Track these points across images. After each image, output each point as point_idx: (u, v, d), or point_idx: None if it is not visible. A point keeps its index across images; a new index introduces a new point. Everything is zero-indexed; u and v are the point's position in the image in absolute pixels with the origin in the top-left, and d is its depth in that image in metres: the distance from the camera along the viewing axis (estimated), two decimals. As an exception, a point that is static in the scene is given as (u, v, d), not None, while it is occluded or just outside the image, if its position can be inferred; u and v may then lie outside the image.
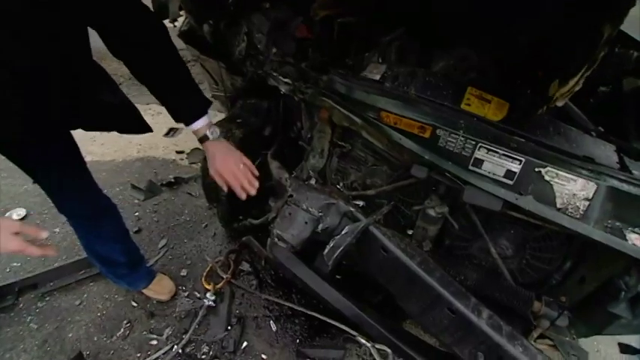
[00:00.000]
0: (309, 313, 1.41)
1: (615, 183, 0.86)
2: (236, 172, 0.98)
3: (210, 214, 1.95)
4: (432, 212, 1.00)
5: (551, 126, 0.92)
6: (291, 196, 1.12)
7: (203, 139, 0.98)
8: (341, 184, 1.22)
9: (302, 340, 1.48)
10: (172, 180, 2.14)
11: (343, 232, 1.04)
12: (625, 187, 0.85)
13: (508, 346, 0.88)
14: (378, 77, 1.02)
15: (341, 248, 1.03)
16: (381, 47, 1.10)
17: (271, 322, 1.51)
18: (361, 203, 1.15)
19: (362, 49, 1.15)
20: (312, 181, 1.21)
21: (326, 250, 1.05)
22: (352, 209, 1.06)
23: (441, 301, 0.95)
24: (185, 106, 0.96)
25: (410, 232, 1.11)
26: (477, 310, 0.93)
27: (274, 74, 1.25)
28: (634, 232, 0.85)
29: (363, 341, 1.43)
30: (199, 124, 0.96)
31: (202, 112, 0.97)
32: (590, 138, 0.92)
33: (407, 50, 1.08)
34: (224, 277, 1.59)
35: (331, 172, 1.23)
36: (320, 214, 1.08)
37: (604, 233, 0.84)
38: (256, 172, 1.00)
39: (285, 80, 1.23)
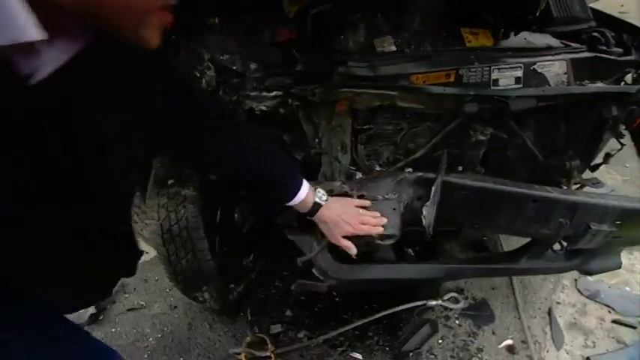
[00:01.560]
0: (373, 318, 1.45)
1: (568, 56, 1.24)
2: (366, 220, 0.93)
3: (184, 310, 1.65)
4: (481, 137, 1.19)
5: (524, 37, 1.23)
6: (362, 195, 1.12)
7: (314, 210, 0.87)
8: (377, 165, 1.27)
9: (390, 345, 1.50)
10: (94, 312, 1.67)
11: (432, 194, 1.12)
12: (577, 55, 1.23)
13: (580, 198, 1.18)
14: (394, 48, 1.10)
15: (434, 209, 1.12)
16: (363, 24, 1.17)
17: (351, 354, 1.47)
18: (409, 169, 1.24)
19: (339, 33, 1.18)
20: (358, 175, 1.22)
21: (423, 220, 1.12)
22: (419, 174, 1.15)
23: (524, 199, 1.17)
24: (284, 181, 0.83)
25: (459, 167, 1.27)
26: (545, 190, 1.20)
27: (253, 94, 1.16)
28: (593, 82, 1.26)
29: (433, 302, 1.58)
30: (304, 191, 0.84)
31: (300, 176, 0.85)
32: (541, 35, 1.27)
33: (384, 17, 1.19)
34: (268, 354, 1.42)
35: (362, 159, 1.26)
36: (395, 195, 1.13)
37: (586, 86, 1.21)
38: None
39: (272, 94, 1.16)
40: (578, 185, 1.36)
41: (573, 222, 1.19)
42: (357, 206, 1.02)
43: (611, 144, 1.40)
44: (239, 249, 1.74)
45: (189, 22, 1.09)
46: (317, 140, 1.26)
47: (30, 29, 0.43)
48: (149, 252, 1.84)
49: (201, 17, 1.11)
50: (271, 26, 1.13)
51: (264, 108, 1.19)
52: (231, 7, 1.11)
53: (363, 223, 0.97)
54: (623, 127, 1.37)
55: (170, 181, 1.54)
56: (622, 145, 1.41)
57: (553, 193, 1.17)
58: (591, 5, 1.42)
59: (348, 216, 0.94)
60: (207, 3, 1.09)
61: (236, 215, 1.64)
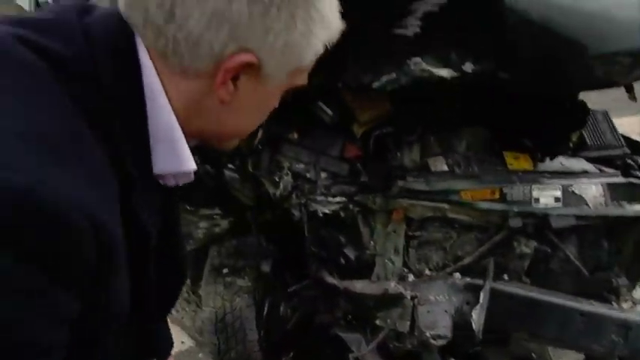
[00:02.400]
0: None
1: (604, 180, 1.40)
2: None
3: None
4: (525, 249, 1.32)
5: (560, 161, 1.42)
6: (415, 296, 1.24)
7: None
8: (426, 269, 1.40)
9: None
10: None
11: (481, 300, 1.23)
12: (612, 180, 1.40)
13: (632, 316, 1.24)
14: (445, 168, 1.32)
15: (483, 315, 1.21)
16: (418, 144, 1.40)
17: None
18: (458, 275, 1.36)
19: (397, 151, 1.42)
20: (410, 278, 1.35)
21: (473, 325, 1.21)
22: (468, 279, 1.27)
23: (570, 311, 1.25)
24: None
25: (505, 276, 1.38)
26: (592, 304, 1.28)
27: (320, 198, 1.37)
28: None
29: None
30: None
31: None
32: (574, 159, 1.46)
33: (436, 140, 1.42)
34: None
35: (414, 263, 1.40)
36: (446, 298, 1.25)
37: (624, 209, 1.34)
38: None
39: (337, 200, 1.36)
40: (631, 305, 1.42)
41: (628, 341, 1.24)
42: None
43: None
44: (282, 344, 1.81)
45: (273, 135, 1.35)
46: (372, 243, 1.42)
47: (190, 161, 0.52)
48: (184, 341, 1.92)
49: (283, 132, 1.37)
50: (341, 143, 1.37)
51: (327, 211, 1.39)
52: (308, 125, 1.38)
53: None
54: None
55: (225, 270, 1.71)
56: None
57: (601, 308, 1.25)
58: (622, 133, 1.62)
59: None
60: (289, 120, 1.36)
61: (282, 309, 1.76)
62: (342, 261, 1.49)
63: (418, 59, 1.01)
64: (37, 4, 2.41)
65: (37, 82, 0.43)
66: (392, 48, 1.01)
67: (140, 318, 0.55)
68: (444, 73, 1.03)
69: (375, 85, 1.07)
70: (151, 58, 0.48)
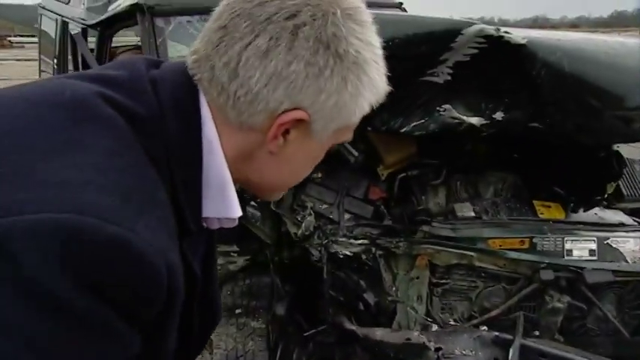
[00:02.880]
0: None
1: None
2: None
3: None
4: (558, 304, 1.26)
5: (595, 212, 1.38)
6: (439, 348, 1.19)
7: None
8: (451, 319, 1.35)
9: None
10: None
11: (510, 357, 1.17)
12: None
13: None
14: (473, 214, 1.29)
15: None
16: (443, 189, 1.39)
17: None
18: (484, 328, 1.31)
19: (422, 195, 1.40)
20: (434, 327, 1.30)
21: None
22: (496, 333, 1.22)
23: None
24: None
25: (536, 332, 1.32)
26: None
27: (342, 240, 1.35)
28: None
29: None
30: None
31: None
32: (610, 210, 1.41)
33: (462, 185, 1.41)
34: None
35: (437, 312, 1.35)
36: (472, 352, 1.19)
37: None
38: None
39: (359, 242, 1.35)
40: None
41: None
42: None
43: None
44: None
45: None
46: (394, 288, 1.39)
47: (237, 208, 0.55)
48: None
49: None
50: (365, 185, 1.37)
51: (348, 253, 1.37)
52: (333, 165, 1.39)
53: None
54: None
55: (238, 311, 1.69)
56: None
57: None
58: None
59: None
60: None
61: (296, 355, 1.71)
62: (362, 306, 1.46)
63: (448, 106, 1.02)
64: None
65: (119, 138, 0.47)
66: (422, 94, 1.02)
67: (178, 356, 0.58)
68: (474, 120, 1.03)
69: (404, 130, 1.07)
70: (210, 110, 0.53)
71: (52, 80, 0.65)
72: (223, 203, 0.55)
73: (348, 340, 1.42)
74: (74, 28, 2.49)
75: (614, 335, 1.32)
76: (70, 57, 2.53)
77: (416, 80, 1.01)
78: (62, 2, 2.78)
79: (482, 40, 0.93)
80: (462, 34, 0.93)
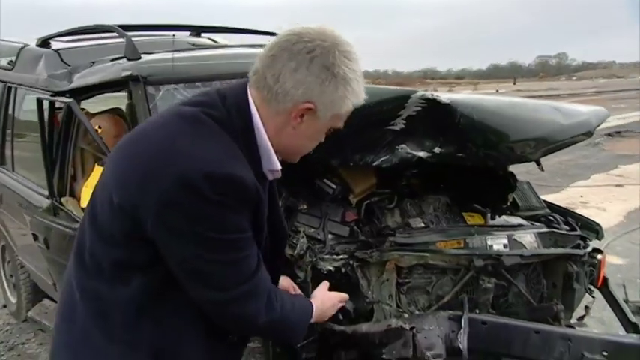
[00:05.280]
0: None
1: (535, 231, 1.99)
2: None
3: None
4: (488, 285, 1.81)
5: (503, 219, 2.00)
6: (413, 327, 1.65)
7: None
8: (416, 310, 1.83)
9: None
10: None
11: (463, 327, 1.67)
12: (540, 230, 1.99)
13: (570, 330, 1.74)
14: (423, 225, 1.83)
15: (466, 338, 1.65)
16: (397, 209, 1.92)
17: None
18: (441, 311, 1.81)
19: (383, 215, 1.92)
20: (406, 315, 1.76)
21: (460, 345, 1.64)
22: (450, 312, 1.72)
23: (528, 330, 1.73)
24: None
25: (476, 310, 1.85)
26: (543, 325, 1.77)
27: (327, 256, 1.79)
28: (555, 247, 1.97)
29: None
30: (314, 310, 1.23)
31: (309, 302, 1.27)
32: (512, 217, 2.05)
33: (411, 206, 1.95)
34: None
35: (405, 306, 1.82)
36: (436, 327, 1.67)
37: (550, 250, 1.91)
38: None
39: (340, 257, 1.80)
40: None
41: (571, 352, 1.72)
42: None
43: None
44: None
45: (289, 208, 1.80)
46: (370, 292, 1.83)
47: (277, 164, 1.03)
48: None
49: (296, 204, 1.83)
50: (342, 211, 1.85)
51: (331, 268, 1.80)
52: (315, 197, 1.85)
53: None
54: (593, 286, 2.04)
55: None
56: (593, 297, 2.06)
57: (549, 326, 1.74)
58: (548, 196, 2.27)
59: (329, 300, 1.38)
60: (300, 195, 1.83)
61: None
62: (341, 316, 1.88)
63: (404, 145, 1.57)
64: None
65: (213, 130, 0.95)
66: (387, 138, 1.56)
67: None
68: (422, 154, 1.59)
69: (375, 163, 1.59)
70: (256, 105, 0.99)
71: (168, 109, 1.09)
72: (270, 161, 1.01)
73: (335, 343, 1.81)
74: (28, 94, 2.70)
75: (527, 305, 1.90)
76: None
77: (381, 129, 1.55)
78: (4, 69, 2.95)
79: (423, 101, 1.52)
80: (410, 97, 1.51)
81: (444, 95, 1.55)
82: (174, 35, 2.52)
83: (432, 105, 1.52)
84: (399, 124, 1.53)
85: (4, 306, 3.57)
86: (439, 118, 1.55)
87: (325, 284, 1.40)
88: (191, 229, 0.89)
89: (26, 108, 2.78)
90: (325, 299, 1.36)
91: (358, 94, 1.00)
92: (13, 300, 3.42)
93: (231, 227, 0.92)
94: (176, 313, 1.01)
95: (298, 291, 1.45)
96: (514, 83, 50.14)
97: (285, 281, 1.43)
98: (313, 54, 0.94)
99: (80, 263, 1.02)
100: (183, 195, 0.86)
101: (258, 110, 0.98)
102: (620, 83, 40.89)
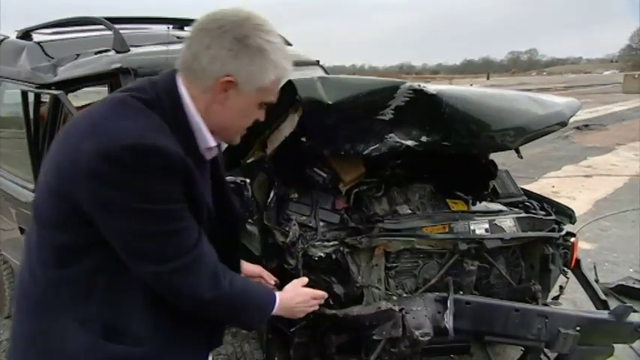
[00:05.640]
0: None
1: (514, 216, 2.11)
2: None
3: None
4: (472, 267, 1.92)
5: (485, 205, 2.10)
6: (402, 308, 1.74)
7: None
8: (404, 294, 1.92)
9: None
10: None
11: (448, 308, 1.77)
12: (518, 215, 2.11)
13: (546, 308, 1.87)
14: (409, 212, 1.91)
15: (452, 318, 1.75)
16: (385, 197, 2.00)
17: None
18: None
19: (371, 203, 2.00)
20: (395, 298, 1.85)
21: (446, 325, 1.73)
22: (436, 294, 1.82)
23: (509, 309, 1.84)
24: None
25: (460, 292, 1.95)
26: (522, 303, 1.89)
27: (318, 243, 1.86)
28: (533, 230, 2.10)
29: None
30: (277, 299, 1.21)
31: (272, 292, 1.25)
32: (493, 203, 2.15)
33: (398, 194, 2.04)
34: None
35: (394, 289, 1.91)
36: (424, 308, 1.77)
37: (528, 234, 2.03)
38: None
39: (331, 244, 1.87)
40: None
41: (547, 327, 1.84)
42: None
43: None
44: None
45: (281, 196, 1.85)
46: (360, 277, 1.91)
47: (212, 140, 1.05)
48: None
49: (287, 193, 1.89)
50: (332, 199, 1.92)
51: (322, 255, 1.87)
52: (306, 185, 1.91)
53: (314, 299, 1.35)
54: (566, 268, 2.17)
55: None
56: (567, 278, 2.20)
57: (527, 305, 1.86)
58: (522, 186, 2.41)
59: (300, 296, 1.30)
60: (291, 184, 1.89)
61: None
62: (331, 301, 1.95)
63: (393, 134, 1.65)
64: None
65: (139, 110, 0.97)
66: (376, 128, 1.63)
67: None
68: (409, 143, 1.68)
69: (365, 152, 1.67)
70: (185, 87, 1.02)
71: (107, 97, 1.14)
72: (203, 138, 1.04)
73: (326, 328, 1.88)
74: (9, 87, 2.66)
75: (507, 286, 2.02)
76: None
77: (371, 118, 1.63)
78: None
79: (411, 92, 1.60)
80: (399, 88, 1.59)
81: (431, 87, 1.64)
82: (168, 28, 2.54)
83: (420, 96, 1.60)
84: (388, 114, 1.61)
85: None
86: (426, 109, 1.64)
87: (301, 280, 1.36)
88: (120, 201, 0.92)
89: (8, 101, 2.72)
90: (296, 294, 1.31)
91: (279, 65, 1.02)
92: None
93: (159, 197, 0.94)
94: (125, 292, 1.02)
95: (272, 278, 1.46)
96: (488, 78, 51.39)
97: (256, 268, 1.45)
98: (224, 28, 0.97)
99: (29, 250, 1.06)
100: (105, 167, 0.89)
101: (188, 92, 1.02)
102: (588, 78, 42.40)
